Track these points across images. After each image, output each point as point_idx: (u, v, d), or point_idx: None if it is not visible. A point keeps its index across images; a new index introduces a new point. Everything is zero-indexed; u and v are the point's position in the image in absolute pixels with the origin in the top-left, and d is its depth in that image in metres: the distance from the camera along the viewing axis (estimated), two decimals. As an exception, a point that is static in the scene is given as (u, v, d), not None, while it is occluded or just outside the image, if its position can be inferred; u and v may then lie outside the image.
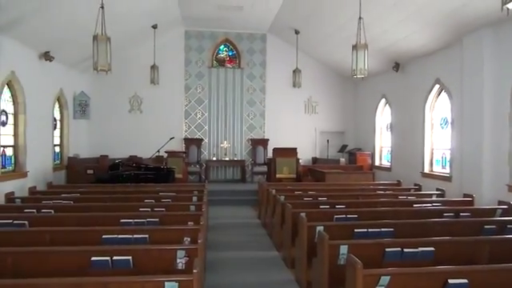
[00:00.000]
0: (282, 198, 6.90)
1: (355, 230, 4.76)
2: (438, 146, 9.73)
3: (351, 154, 13.40)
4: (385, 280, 3.09)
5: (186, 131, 13.71)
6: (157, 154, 11.42)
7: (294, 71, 12.46)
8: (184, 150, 13.19)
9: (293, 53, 12.93)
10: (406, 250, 3.94)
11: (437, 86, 9.55)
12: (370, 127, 13.10)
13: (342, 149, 13.76)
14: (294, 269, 5.46)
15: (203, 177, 13.24)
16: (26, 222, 5.03)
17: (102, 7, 6.52)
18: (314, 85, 14.10)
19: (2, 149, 8.15)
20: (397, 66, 10.92)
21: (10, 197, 7.09)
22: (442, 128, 9.58)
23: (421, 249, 3.97)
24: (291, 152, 11.92)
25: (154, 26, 11.70)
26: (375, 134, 12.88)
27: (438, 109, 9.75)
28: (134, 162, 10.88)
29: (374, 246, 4.02)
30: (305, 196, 7.64)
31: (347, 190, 8.53)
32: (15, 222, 5.05)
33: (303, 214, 5.15)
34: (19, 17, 7.54)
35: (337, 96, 14.45)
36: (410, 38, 9.26)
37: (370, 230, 4.79)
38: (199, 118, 13.79)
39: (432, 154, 9.93)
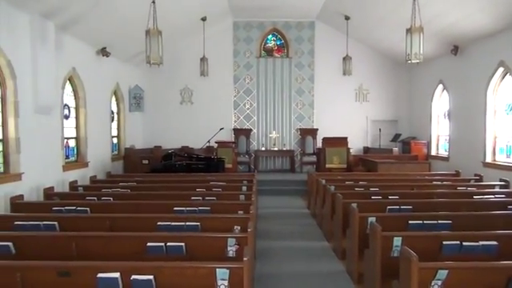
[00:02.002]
0: (332, 188, 6.79)
1: (410, 222, 4.58)
2: (502, 133, 9.06)
3: (405, 143, 12.87)
4: (442, 274, 2.95)
5: (235, 122, 13.87)
6: (207, 144, 11.67)
7: (343, 59, 12.13)
8: (233, 140, 13.36)
9: (342, 40, 12.58)
10: (465, 243, 3.72)
11: (501, 69, 8.86)
12: (426, 115, 12.48)
13: (396, 138, 13.25)
14: (345, 260, 5.38)
15: (252, 167, 13.36)
16: (87, 209, 5.37)
17: (154, 2, 6.72)
18: (365, 72, 13.66)
19: (65, 141, 8.71)
20: (455, 49, 10.26)
21: (73, 185, 7.59)
22: (507, 114, 8.90)
23: (482, 243, 3.73)
24: (341, 141, 11.66)
25: (203, 19, 11.88)
26: (431, 121, 12.25)
27: (502, 93, 9.05)
28: (185, 152, 11.20)
29: (430, 238, 3.85)
30: (356, 186, 7.46)
31: (401, 181, 8.21)
32: (78, 208, 5.40)
33: (354, 205, 5.04)
34: (78, 15, 7.97)
35: (389, 83, 13.90)
36: (471, 18, 8.63)
37: (425, 221, 4.59)
38: (248, 109, 13.88)
39: (495, 142, 9.27)
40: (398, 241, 3.83)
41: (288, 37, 13.79)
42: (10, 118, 6.64)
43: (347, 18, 11.94)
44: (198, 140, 12.34)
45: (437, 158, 11.85)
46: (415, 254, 2.97)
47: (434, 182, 8.04)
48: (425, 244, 3.73)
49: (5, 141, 6.62)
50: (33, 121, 7.15)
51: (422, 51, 6.75)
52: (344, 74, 12.18)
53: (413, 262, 2.94)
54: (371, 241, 4.07)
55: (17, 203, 5.77)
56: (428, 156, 12.12)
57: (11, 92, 6.65)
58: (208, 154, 11.21)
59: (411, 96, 13.78)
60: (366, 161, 11.26)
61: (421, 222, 4.58)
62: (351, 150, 11.90)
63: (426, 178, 8.80)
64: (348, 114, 13.73)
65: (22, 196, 6.06)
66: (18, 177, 6.70)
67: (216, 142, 11.90)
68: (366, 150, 13.39)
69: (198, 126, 13.25)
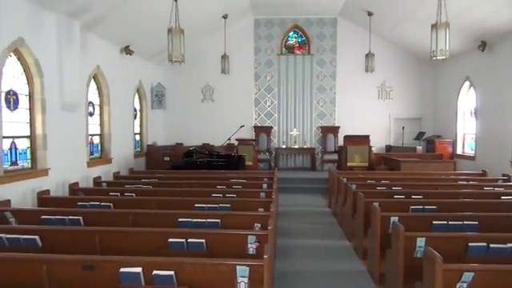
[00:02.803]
0: (354, 186, 6.71)
1: (434, 222, 4.48)
2: (532, 132, 8.74)
3: (429, 141, 12.58)
4: (468, 276, 2.87)
5: (255, 119, 13.88)
6: (228, 141, 11.72)
7: (366, 55, 11.95)
8: (254, 137, 13.37)
9: (365, 36, 12.39)
10: (492, 245, 3.62)
11: (531, 66, 8.54)
12: (452, 113, 12.15)
13: (419, 136, 12.97)
14: (366, 260, 5.31)
15: (273, 164, 13.34)
16: (111, 204, 5.47)
17: (176, 0, 6.76)
18: (388, 69, 13.42)
19: (90, 137, 8.91)
20: (483, 45, 9.93)
21: (97, 181, 7.75)
22: (538, 112, 8.58)
23: (510, 245, 3.61)
24: (363, 140, 11.51)
25: (225, 16, 11.91)
26: (457, 120, 11.92)
27: (533, 91, 8.73)
28: (206, 149, 11.28)
29: (455, 239, 3.75)
30: (378, 185, 7.34)
31: (425, 180, 8.04)
32: (102, 203, 5.51)
33: (376, 204, 4.97)
34: (102, 15, 8.12)
35: (413, 80, 13.61)
36: (500, 13, 8.33)
37: (450, 222, 4.48)
38: (269, 106, 13.85)
39: (524, 141, 8.95)
40: (421, 241, 3.75)
41: (309, 34, 13.68)
42: (37, 115, 6.85)
43: (370, 14, 11.74)
44: (218, 137, 12.41)
45: (462, 157, 11.53)
46: (440, 256, 2.90)
47: (460, 182, 7.82)
48: (450, 245, 3.64)
49: (32, 137, 6.82)
50: (59, 118, 7.34)
51: (447, 47, 6.58)
52: (366, 70, 12.00)
53: (437, 264, 2.87)
54: (393, 241, 4.00)
55: (43, 198, 5.93)
56: (453, 155, 11.80)
57: (38, 90, 6.85)
58: (228, 151, 11.26)
59: (436, 93, 13.45)
60: (389, 159, 11.07)
61: (445, 222, 4.47)
62: (373, 149, 11.74)
63: (451, 177, 8.58)
64: (370, 111, 13.52)
65: (48, 191, 6.23)
66: (44, 172, 6.90)
67: (237, 140, 11.94)
68: (389, 148, 13.16)
69: (219, 123, 13.32)
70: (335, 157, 13.08)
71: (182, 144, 12.67)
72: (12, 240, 3.86)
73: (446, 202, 5.58)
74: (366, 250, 5.35)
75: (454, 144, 11.97)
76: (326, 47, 13.63)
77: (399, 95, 13.62)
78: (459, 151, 11.83)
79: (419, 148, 12.23)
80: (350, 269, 5.23)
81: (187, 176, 8.31)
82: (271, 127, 13.77)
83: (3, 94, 6.09)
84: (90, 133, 8.82)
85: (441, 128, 12.99)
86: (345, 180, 7.46)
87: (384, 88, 13.63)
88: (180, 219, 4.47)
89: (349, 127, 12.99)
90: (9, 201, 5.32)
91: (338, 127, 13.49)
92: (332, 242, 6.44)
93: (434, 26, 6.60)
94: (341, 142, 12.57)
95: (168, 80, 13.41)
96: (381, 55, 12.65)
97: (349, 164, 11.31)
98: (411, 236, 3.78)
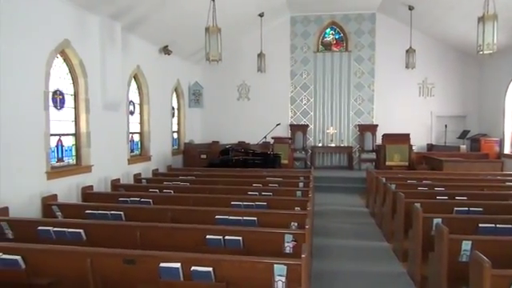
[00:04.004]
0: (393, 186, 6.52)
1: (480, 225, 4.26)
2: None
3: (474, 140, 12.00)
4: (519, 283, 2.70)
5: (291, 117, 13.79)
6: (264, 139, 11.73)
7: (406, 51, 11.55)
8: (290, 136, 13.30)
9: (405, 31, 11.99)
10: (545, 250, 3.39)
11: None
12: (499, 110, 11.52)
13: (463, 135, 12.40)
14: (407, 262, 5.14)
15: (309, 163, 13.22)
16: (150, 200, 5.62)
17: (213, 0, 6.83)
18: (430, 65, 12.93)
19: (130, 135, 9.19)
20: (534, 38, 9.37)
21: (137, 177, 8.00)
22: None
23: None
24: (403, 138, 11.17)
25: (261, 15, 11.91)
26: (505, 117, 11.30)
27: None
28: (242, 147, 11.33)
29: (504, 243, 3.55)
30: (419, 185, 7.11)
31: (469, 180, 7.69)
32: (142, 199, 5.67)
33: (418, 205, 4.79)
34: (143, 16, 8.34)
35: (457, 76, 13.03)
36: (554, 3, 7.82)
37: (498, 225, 4.24)
38: (305, 104, 13.73)
39: None
40: (467, 245, 3.58)
41: (347, 30, 13.42)
42: (81, 114, 7.14)
43: (411, 8, 11.35)
44: (254, 135, 12.44)
45: (511, 156, 10.93)
46: (488, 260, 2.75)
47: (508, 183, 7.42)
48: (498, 249, 3.45)
49: (77, 135, 7.12)
50: (101, 117, 7.61)
51: (495, 41, 6.24)
52: (407, 67, 11.60)
53: (485, 269, 2.72)
54: (437, 243, 3.84)
55: (87, 193, 6.19)
56: (500, 154, 11.20)
57: (83, 90, 7.13)
58: (264, 149, 11.26)
59: (481, 90, 12.80)
60: (430, 159, 10.68)
61: (493, 225, 4.25)
62: (414, 147, 11.37)
63: (499, 178, 8.16)
64: (410, 109, 13.09)
65: (91, 187, 6.49)
66: (88, 169, 7.18)
67: (272, 138, 11.92)
68: (430, 147, 12.70)
69: (255, 121, 13.35)
70: (373, 156, 12.79)
71: (218, 142, 12.81)
72: (59, 233, 4.04)
73: (493, 204, 5.30)
74: (406, 252, 5.18)
75: (501, 143, 11.36)
76: (364, 44, 13.32)
77: (441, 92, 13.10)
78: (507, 150, 11.21)
79: (463, 147, 11.71)
80: (389, 271, 5.08)
81: (223, 174, 8.39)
82: (307, 125, 13.64)
83: (50, 94, 6.39)
84: (130, 131, 9.09)
85: (486, 126, 12.36)
86: (384, 179, 7.27)
87: (425, 85, 13.15)
88: (217, 216, 4.52)
89: (387, 125, 12.65)
90: (56, 195, 5.59)
91: (377, 125, 13.16)
92: (370, 242, 6.29)
93: (481, 19, 6.29)
94: (379, 141, 12.27)
95: (205, 79, 13.60)
96: (422, 51, 12.20)
97: (387, 163, 11.02)
98: (456, 239, 3.62)
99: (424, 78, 13.11)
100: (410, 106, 13.10)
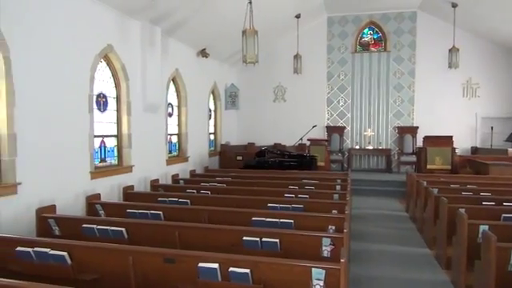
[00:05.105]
0: (435, 190, 6.28)
1: (531, 233, 4.02)
2: None
3: (523, 143, 11.36)
4: None
5: (328, 119, 13.62)
6: (300, 141, 11.65)
7: (449, 50, 11.10)
8: (326, 138, 13.14)
9: (448, 30, 11.52)
10: None
11: None
12: (551, 111, 10.86)
13: (511, 137, 11.76)
14: (450, 270, 4.93)
15: (345, 165, 13.00)
16: (188, 201, 5.72)
17: (250, 2, 6.86)
18: (475, 65, 12.37)
19: (169, 137, 9.41)
20: None
21: (175, 178, 8.17)
22: None
23: None
24: (445, 140, 10.72)
25: (298, 16, 11.84)
26: (558, 119, 10.63)
27: None
28: (278, 149, 11.31)
29: (559, 253, 3.33)
30: (463, 190, 6.80)
31: (518, 186, 7.27)
32: (180, 200, 5.78)
33: (462, 210, 4.59)
34: (181, 20, 8.53)
35: (504, 76, 12.38)
36: None
37: (551, 234, 3.98)
38: (342, 106, 13.51)
39: None
40: (517, 254, 3.39)
41: (386, 29, 13.09)
42: (123, 116, 7.40)
43: (454, 6, 10.91)
44: (290, 137, 12.39)
45: None
46: (542, 271, 2.59)
47: (562, 189, 6.95)
48: (552, 260, 3.24)
49: (119, 137, 7.38)
50: (142, 119, 7.85)
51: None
52: (450, 67, 11.14)
53: (538, 280, 2.56)
54: (483, 252, 3.66)
55: (128, 193, 6.39)
56: (553, 158, 10.53)
57: (125, 93, 7.39)
58: (300, 151, 11.18)
59: (532, 90, 12.10)
60: (475, 162, 10.19)
61: (546, 234, 3.99)
62: (457, 150, 10.89)
63: (551, 183, 7.66)
64: (453, 110, 12.57)
65: (132, 186, 6.70)
66: (129, 169, 7.42)
67: (308, 140, 11.81)
68: (475, 150, 12.13)
69: (291, 123, 13.30)
70: (413, 159, 12.38)
71: (253, 144, 12.86)
72: (102, 231, 4.20)
73: (546, 212, 4.98)
74: (449, 260, 4.97)
75: (553, 146, 10.67)
76: (404, 43, 12.95)
77: (487, 93, 12.49)
78: (560, 154, 10.52)
79: (511, 150, 11.10)
80: (431, 278, 4.89)
81: (259, 175, 8.39)
82: (344, 127, 13.42)
83: (95, 97, 6.66)
84: (168, 132, 9.31)
85: (537, 128, 11.66)
86: (425, 183, 7.02)
87: (470, 85, 12.59)
88: (253, 218, 4.52)
89: (429, 127, 12.22)
90: (99, 194, 5.81)
91: (417, 127, 12.74)
92: (411, 248, 6.09)
93: (532, 15, 5.94)
94: (420, 143, 11.87)
95: (241, 81, 13.70)
96: (466, 50, 11.70)
97: (429, 167, 10.62)
98: (505, 247, 3.43)
99: (468, 78, 12.56)
100: (452, 108, 12.59)
